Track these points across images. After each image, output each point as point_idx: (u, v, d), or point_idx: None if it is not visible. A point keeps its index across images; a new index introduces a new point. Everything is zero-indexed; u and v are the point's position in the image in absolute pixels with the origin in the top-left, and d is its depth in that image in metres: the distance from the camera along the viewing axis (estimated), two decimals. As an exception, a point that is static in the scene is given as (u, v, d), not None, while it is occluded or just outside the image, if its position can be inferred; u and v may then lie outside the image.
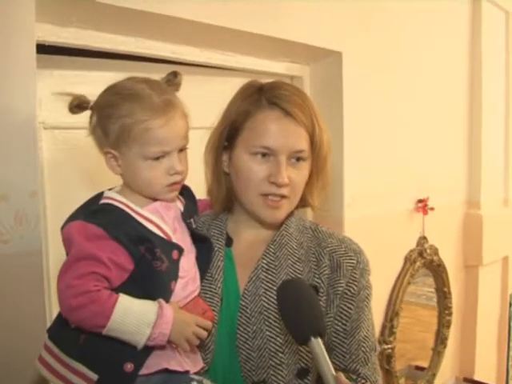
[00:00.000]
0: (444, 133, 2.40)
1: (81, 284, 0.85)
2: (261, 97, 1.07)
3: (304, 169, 1.08)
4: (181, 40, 1.47)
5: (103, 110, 0.94)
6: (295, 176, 1.06)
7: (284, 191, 1.05)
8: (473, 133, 2.60)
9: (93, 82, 1.33)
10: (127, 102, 0.92)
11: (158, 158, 0.94)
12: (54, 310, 1.26)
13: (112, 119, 0.92)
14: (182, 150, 0.98)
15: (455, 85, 2.50)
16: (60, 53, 1.29)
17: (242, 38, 1.53)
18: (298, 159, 1.06)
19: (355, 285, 1.09)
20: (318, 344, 0.84)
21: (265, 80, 1.13)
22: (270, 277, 1.06)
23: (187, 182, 1.07)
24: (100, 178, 1.33)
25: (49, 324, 0.99)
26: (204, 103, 1.24)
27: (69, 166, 1.37)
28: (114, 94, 0.95)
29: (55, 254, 1.28)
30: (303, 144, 1.05)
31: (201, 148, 1.14)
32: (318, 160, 1.09)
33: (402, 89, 2.11)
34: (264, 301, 1.04)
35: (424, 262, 2.28)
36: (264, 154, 1.04)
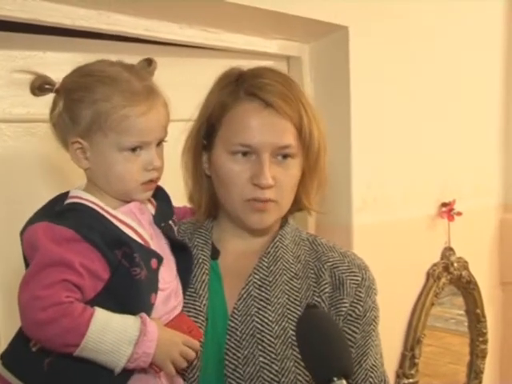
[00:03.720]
0: (474, 123, 2.39)
1: (50, 294, 0.87)
2: (238, 87, 1.11)
3: (293, 167, 1.11)
4: (155, 14, 1.47)
5: (73, 93, 0.97)
6: (282, 176, 1.09)
7: (270, 194, 1.08)
8: (509, 122, 2.59)
9: (47, 64, 1.34)
10: (103, 85, 0.96)
11: (134, 150, 0.98)
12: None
13: (84, 103, 0.96)
14: (160, 143, 1.03)
15: (488, 66, 2.48)
16: (5, 28, 1.28)
17: (228, 12, 1.54)
18: (285, 156, 1.09)
19: (360, 305, 1.13)
20: None
21: (256, 62, 1.16)
22: (263, 294, 1.10)
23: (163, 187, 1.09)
24: (43, 183, 1.33)
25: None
26: (183, 90, 1.27)
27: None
28: (85, 75, 0.98)
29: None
30: (288, 138, 1.08)
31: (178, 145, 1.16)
32: (309, 156, 1.13)
33: (423, 72, 2.10)
34: (257, 321, 1.07)
35: (451, 278, 2.28)
36: (245, 153, 1.08)
